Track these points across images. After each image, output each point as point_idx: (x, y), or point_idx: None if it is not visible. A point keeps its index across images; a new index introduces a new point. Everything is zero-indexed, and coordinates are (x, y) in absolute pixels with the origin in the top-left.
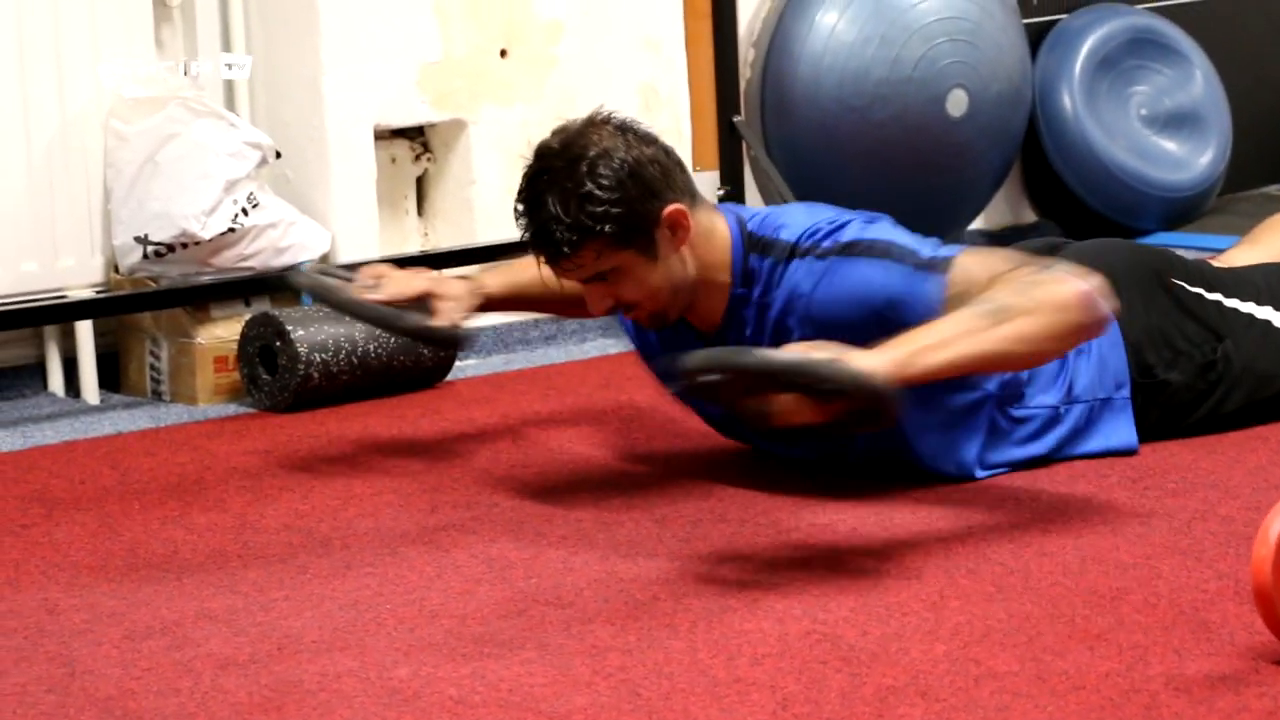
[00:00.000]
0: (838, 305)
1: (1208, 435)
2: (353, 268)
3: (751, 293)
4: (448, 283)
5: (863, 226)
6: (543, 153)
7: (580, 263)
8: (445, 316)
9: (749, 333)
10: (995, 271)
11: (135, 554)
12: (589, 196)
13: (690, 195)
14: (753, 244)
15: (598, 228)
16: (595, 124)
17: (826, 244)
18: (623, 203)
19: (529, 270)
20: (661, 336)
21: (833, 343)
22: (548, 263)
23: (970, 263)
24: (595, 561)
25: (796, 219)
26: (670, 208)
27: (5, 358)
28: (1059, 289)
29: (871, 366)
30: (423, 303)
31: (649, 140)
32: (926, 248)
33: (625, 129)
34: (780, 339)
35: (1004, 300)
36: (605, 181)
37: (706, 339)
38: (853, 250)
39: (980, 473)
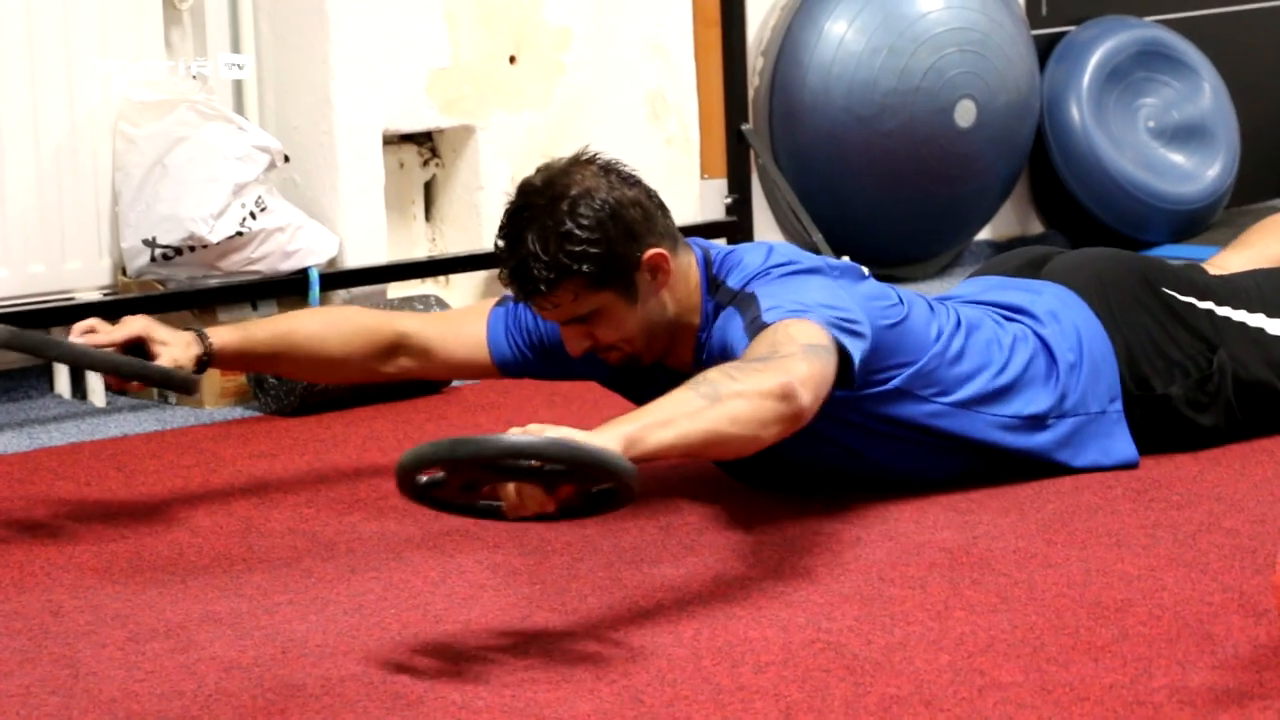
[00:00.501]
0: (717, 355)
1: (1211, 448)
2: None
3: (701, 337)
4: (159, 328)
5: (782, 278)
6: (525, 189)
7: (557, 301)
8: (168, 359)
9: None
10: (769, 351)
11: (140, 556)
12: (569, 235)
13: (672, 239)
14: (713, 285)
15: (575, 267)
16: (580, 163)
17: (744, 292)
18: (602, 243)
19: (265, 326)
20: (633, 376)
21: (559, 425)
22: (525, 299)
23: (769, 335)
24: (599, 568)
25: (750, 261)
26: (651, 251)
27: (12, 359)
28: (761, 377)
29: (601, 443)
30: (140, 347)
31: (632, 182)
32: (777, 312)
33: (609, 170)
34: None
35: (717, 383)
36: (585, 221)
37: (677, 378)
38: (741, 302)
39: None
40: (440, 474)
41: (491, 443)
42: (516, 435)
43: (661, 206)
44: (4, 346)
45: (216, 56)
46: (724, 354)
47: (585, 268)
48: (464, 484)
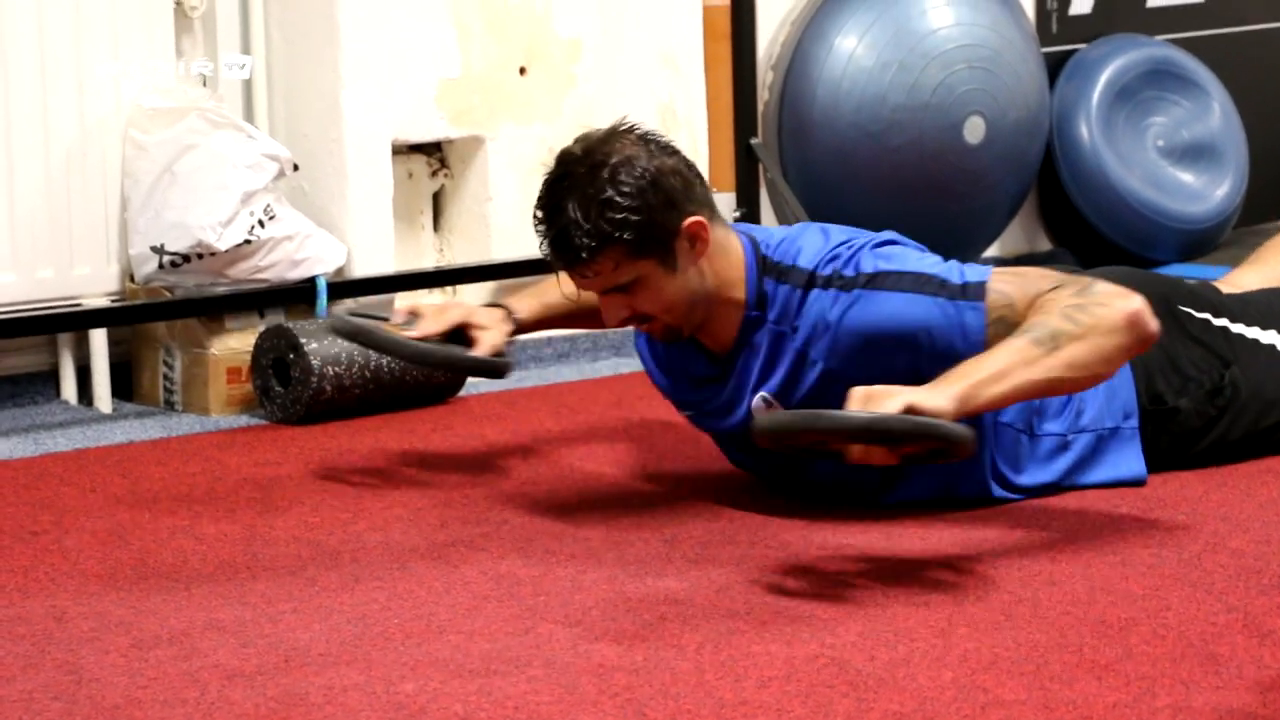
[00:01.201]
0: (869, 337)
1: (1218, 466)
2: (384, 306)
3: (766, 316)
4: (481, 312)
5: (881, 253)
6: (565, 159)
7: (598, 270)
8: (485, 346)
9: (762, 357)
10: (1033, 293)
11: (144, 563)
12: (609, 203)
13: (710, 209)
14: (768, 267)
15: (617, 234)
16: (618, 133)
17: (848, 272)
18: (643, 210)
19: (554, 290)
20: (670, 353)
21: (889, 386)
22: (565, 268)
23: (1005, 286)
24: (603, 581)
25: (812, 244)
26: (690, 219)
27: (19, 364)
28: (1106, 312)
29: (938, 405)
30: (458, 334)
31: (671, 151)
32: (953, 273)
33: (648, 139)
34: (800, 368)
35: (1055, 326)
36: (626, 189)
37: (717, 361)
38: (880, 282)
39: (996, 490)
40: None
41: (847, 419)
42: (854, 412)
43: (700, 177)
44: (334, 333)
45: (222, 60)
46: (890, 331)
47: (626, 235)
48: (814, 442)
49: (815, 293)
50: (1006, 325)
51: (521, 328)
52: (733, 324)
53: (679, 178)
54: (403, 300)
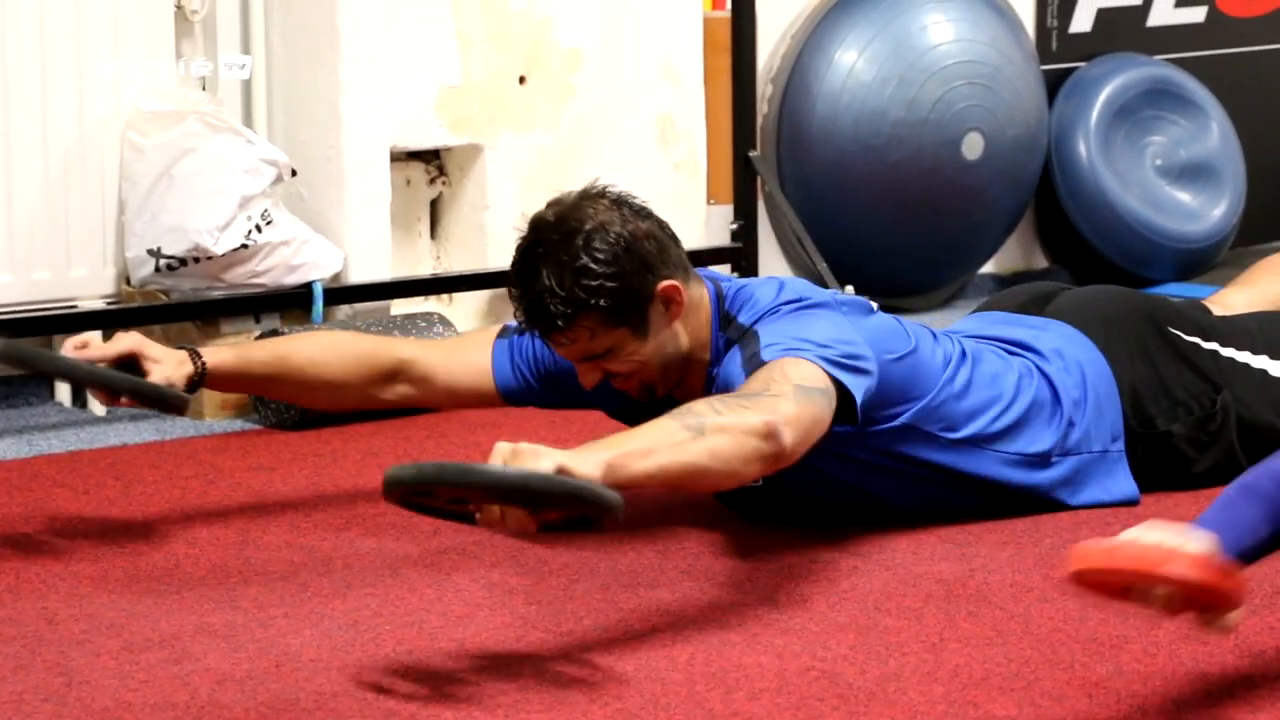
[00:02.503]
0: (720, 390)
1: (1211, 488)
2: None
3: (713, 372)
4: (152, 345)
5: (784, 313)
6: (538, 224)
7: (574, 337)
8: (160, 377)
9: None
10: (760, 389)
11: (136, 566)
12: (584, 270)
13: (685, 270)
14: (724, 320)
15: (592, 301)
16: (591, 197)
17: (752, 328)
18: (618, 277)
19: (262, 346)
20: (645, 411)
21: (536, 445)
22: (541, 336)
23: (764, 373)
24: (596, 590)
25: (763, 298)
26: (664, 283)
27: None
28: (748, 415)
29: (587, 471)
30: (131, 363)
31: (645, 215)
32: (775, 350)
33: (621, 203)
34: None
35: (703, 416)
36: (601, 255)
37: None
38: (745, 339)
39: (974, 496)
40: (428, 492)
41: (477, 473)
42: (501, 467)
43: (674, 238)
44: (3, 360)
45: (222, 60)
46: (725, 390)
47: (602, 302)
48: (451, 499)
49: (734, 346)
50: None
51: (210, 376)
52: (700, 380)
53: (653, 241)
54: (399, 306)
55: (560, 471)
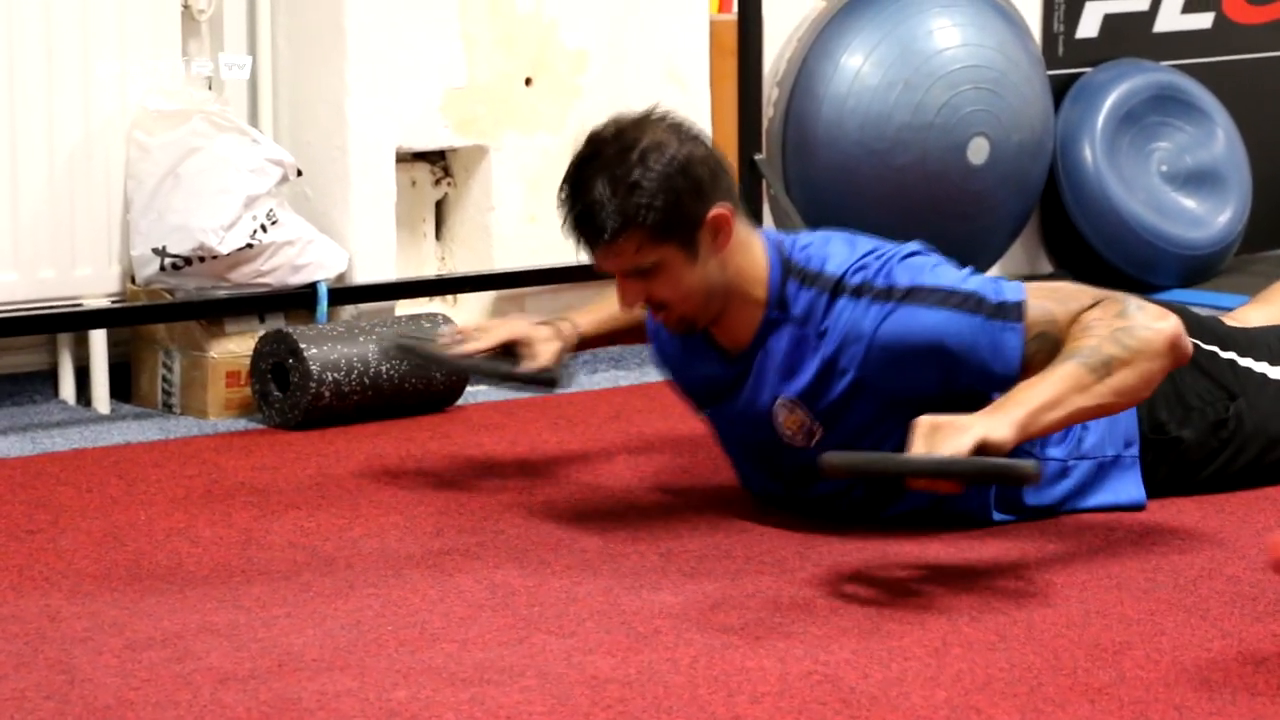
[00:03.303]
0: (903, 351)
1: (1216, 494)
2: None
3: (787, 319)
4: (532, 329)
5: (913, 265)
6: (595, 139)
7: (619, 251)
8: (543, 359)
9: (781, 360)
10: (1074, 310)
11: (139, 564)
12: (636, 186)
13: (735, 203)
14: (791, 270)
15: (642, 216)
16: (651, 118)
17: (879, 283)
18: (669, 195)
19: (613, 303)
20: (681, 351)
21: (954, 417)
22: (587, 247)
23: (1044, 300)
24: (598, 593)
25: (839, 251)
26: (715, 209)
27: (18, 363)
28: (1152, 336)
29: (1003, 437)
30: (510, 351)
31: (702, 141)
32: (988, 290)
33: (679, 127)
34: (828, 375)
35: (1106, 352)
36: (654, 173)
37: (730, 360)
38: (917, 296)
39: (996, 515)
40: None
41: (919, 464)
42: (924, 457)
43: (727, 169)
44: (392, 355)
45: (222, 60)
46: (922, 346)
47: (650, 219)
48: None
49: (844, 300)
50: (1048, 341)
51: (583, 340)
52: (750, 322)
53: (707, 167)
54: (403, 307)
55: (981, 445)
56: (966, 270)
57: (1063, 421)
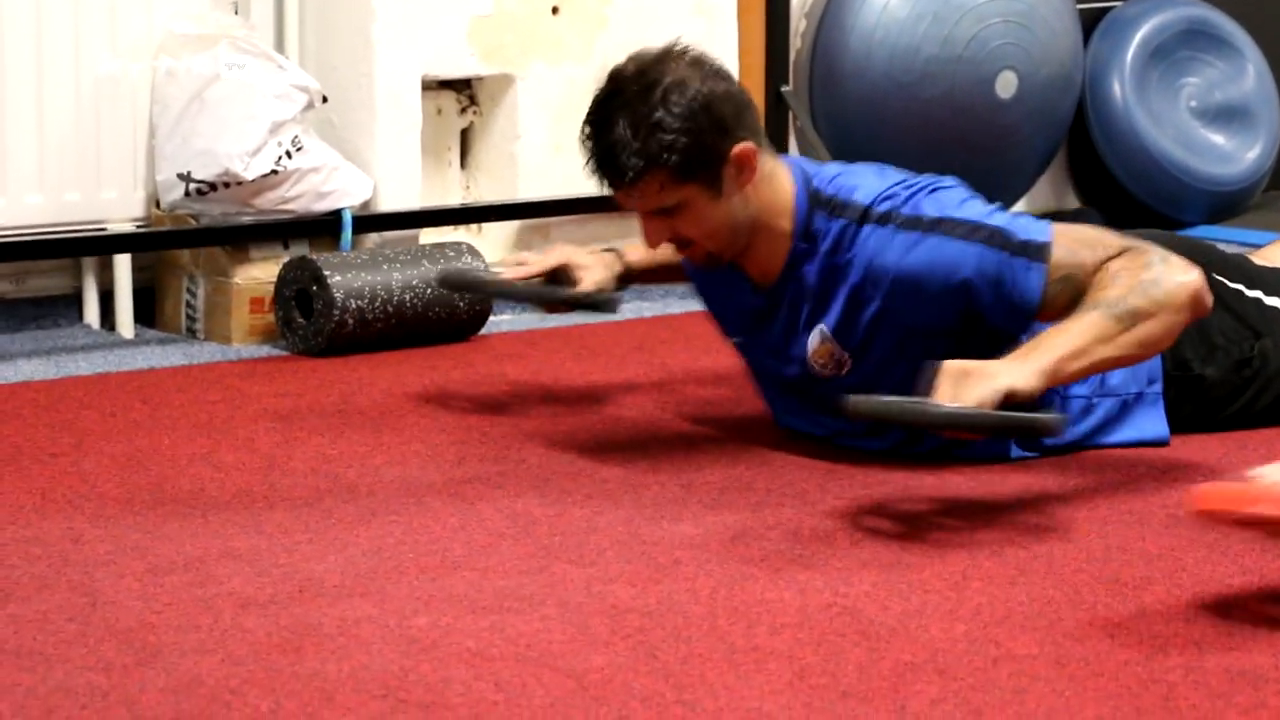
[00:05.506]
0: (927, 282)
1: (1239, 431)
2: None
3: (816, 250)
4: (581, 254)
5: (942, 198)
6: (617, 76)
7: (643, 191)
8: (590, 283)
9: (813, 291)
10: (1101, 257)
11: (162, 489)
12: (659, 124)
13: (759, 136)
14: (819, 201)
15: (664, 156)
16: (673, 54)
17: (907, 212)
18: (692, 134)
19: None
20: (714, 282)
21: (982, 364)
22: (610, 187)
23: (1071, 244)
24: (619, 523)
25: (868, 180)
26: (739, 146)
27: (43, 287)
28: (1175, 289)
29: (1030, 387)
30: (560, 275)
31: (724, 76)
32: (1015, 228)
33: (701, 63)
34: (856, 306)
35: (1132, 303)
36: (677, 111)
37: (761, 291)
38: (944, 228)
39: (1015, 451)
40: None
41: (945, 414)
42: (947, 407)
43: (750, 104)
44: (443, 285)
45: None
46: (944, 277)
47: (674, 158)
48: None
49: (870, 228)
50: (1070, 285)
51: (630, 272)
52: (779, 254)
53: (730, 104)
54: (428, 235)
55: (1007, 395)
56: (994, 206)
57: (1086, 370)
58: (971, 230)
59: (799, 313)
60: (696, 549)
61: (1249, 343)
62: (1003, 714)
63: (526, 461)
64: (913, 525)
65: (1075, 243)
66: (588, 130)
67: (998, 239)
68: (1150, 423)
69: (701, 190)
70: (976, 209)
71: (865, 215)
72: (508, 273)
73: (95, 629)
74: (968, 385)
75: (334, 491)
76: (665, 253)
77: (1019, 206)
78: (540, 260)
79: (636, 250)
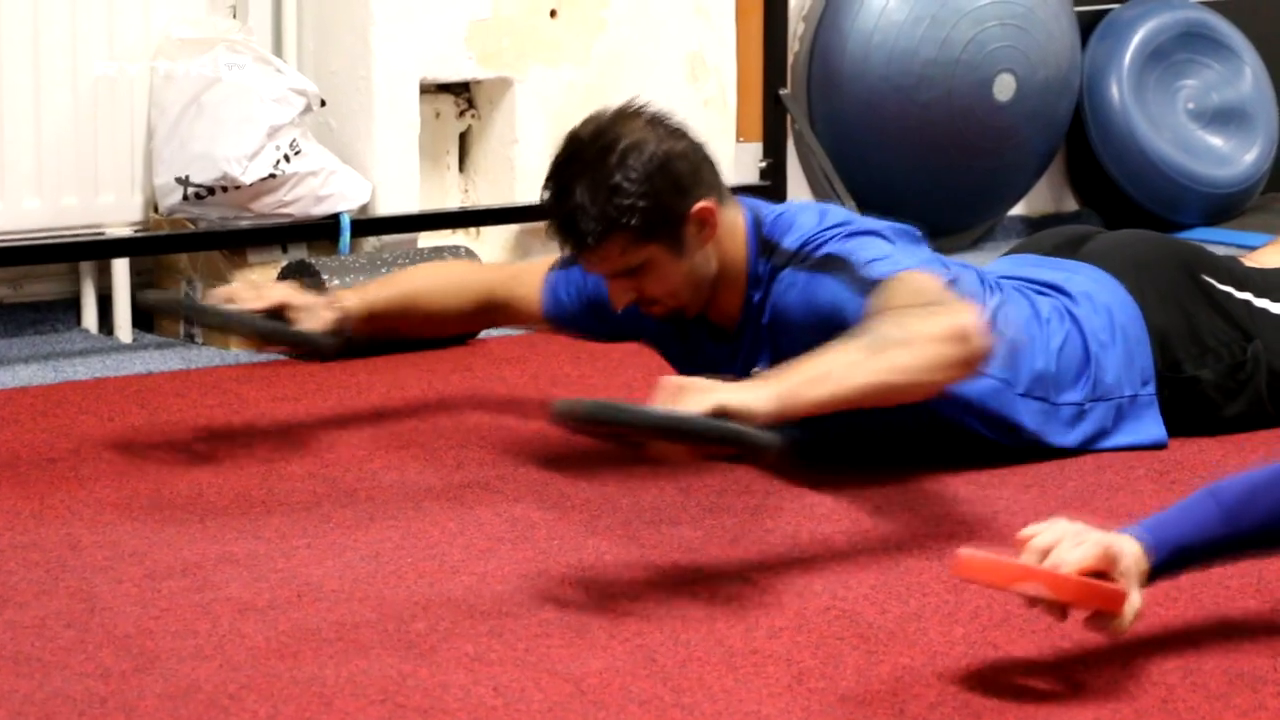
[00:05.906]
0: (805, 318)
1: (1237, 433)
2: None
3: (763, 293)
4: (302, 295)
5: (850, 239)
6: (573, 141)
7: (605, 255)
8: (304, 324)
9: (761, 333)
10: (910, 301)
11: (160, 494)
12: (617, 188)
13: (719, 191)
14: (763, 246)
15: (624, 220)
16: (628, 115)
17: (814, 254)
18: (650, 196)
19: (394, 281)
20: (678, 331)
21: (707, 380)
22: (572, 252)
23: (899, 287)
24: (618, 526)
25: (804, 223)
26: (698, 204)
27: (41, 291)
28: (935, 321)
29: (753, 405)
30: (279, 315)
31: (681, 134)
32: (882, 267)
33: (658, 122)
34: (779, 345)
35: (882, 331)
36: (635, 174)
37: (725, 340)
38: (827, 265)
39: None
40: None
41: (632, 414)
42: (658, 410)
43: (709, 159)
44: (156, 310)
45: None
46: (816, 315)
47: (633, 221)
48: (613, 433)
49: (785, 272)
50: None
51: (348, 318)
52: (736, 304)
53: (687, 162)
54: (426, 239)
55: (723, 410)
56: (921, 253)
57: (833, 397)
58: (841, 265)
59: (753, 356)
60: (695, 552)
61: (1240, 345)
62: (1001, 717)
63: (525, 465)
64: (911, 528)
65: (906, 289)
66: (547, 196)
67: (855, 271)
68: (1147, 426)
69: (663, 250)
70: (873, 248)
71: (789, 259)
72: (229, 305)
73: (93, 635)
74: (683, 396)
75: (332, 496)
76: (388, 302)
77: (1018, 209)
78: (259, 296)
79: (358, 297)
